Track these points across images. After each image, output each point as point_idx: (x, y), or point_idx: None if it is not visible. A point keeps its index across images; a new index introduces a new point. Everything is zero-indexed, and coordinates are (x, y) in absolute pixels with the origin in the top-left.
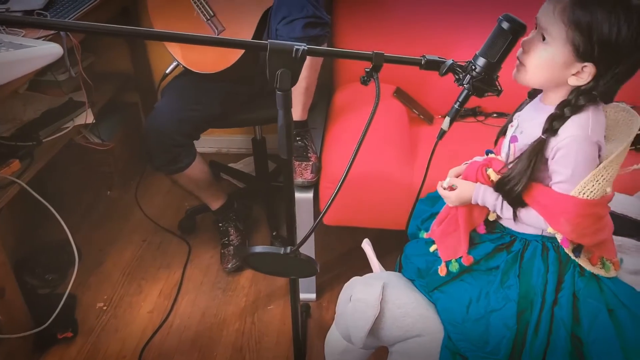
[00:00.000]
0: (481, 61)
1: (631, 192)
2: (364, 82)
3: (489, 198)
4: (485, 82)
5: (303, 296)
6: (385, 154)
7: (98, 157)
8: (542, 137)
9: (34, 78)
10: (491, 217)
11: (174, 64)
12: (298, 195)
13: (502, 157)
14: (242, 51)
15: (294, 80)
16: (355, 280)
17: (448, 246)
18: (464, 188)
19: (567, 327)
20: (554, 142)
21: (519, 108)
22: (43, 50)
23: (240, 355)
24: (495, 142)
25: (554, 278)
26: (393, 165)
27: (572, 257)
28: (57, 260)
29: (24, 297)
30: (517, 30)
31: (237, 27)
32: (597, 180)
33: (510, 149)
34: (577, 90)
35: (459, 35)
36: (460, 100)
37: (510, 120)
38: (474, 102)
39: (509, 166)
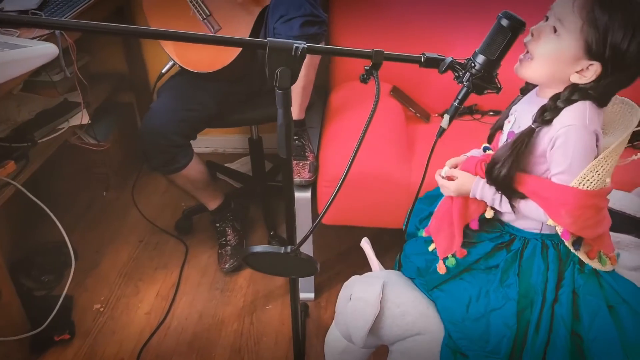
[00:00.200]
0: (480, 58)
1: (629, 188)
2: (364, 80)
3: (487, 192)
4: (484, 80)
5: (301, 296)
6: (383, 152)
7: (94, 158)
8: (532, 126)
9: (29, 79)
10: (488, 215)
11: (170, 63)
12: (296, 194)
13: None
14: (239, 50)
15: (294, 79)
16: (354, 279)
17: (443, 241)
18: (464, 180)
19: (567, 325)
20: (552, 133)
21: (513, 103)
22: (38, 50)
23: (238, 356)
24: (489, 137)
25: (554, 276)
26: (391, 164)
27: (572, 250)
28: (53, 262)
29: (20, 299)
30: (516, 28)
31: (233, 26)
32: (597, 171)
33: None
34: (573, 86)
35: (455, 34)
36: (459, 97)
37: (506, 116)
38: (470, 100)
39: (497, 152)
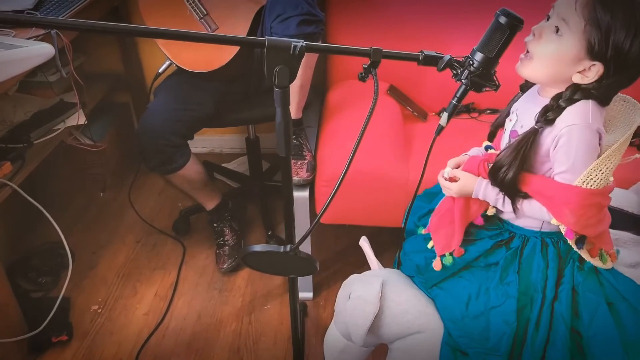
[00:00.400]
0: (479, 56)
1: (626, 185)
2: (362, 78)
3: (490, 192)
4: (483, 77)
5: (300, 295)
6: (381, 151)
7: (90, 158)
8: (535, 126)
9: (24, 79)
10: (490, 212)
11: (167, 63)
12: (294, 194)
13: None
14: (236, 50)
15: (292, 77)
16: (353, 277)
17: (442, 239)
18: (466, 181)
19: (567, 322)
20: (555, 132)
21: (513, 100)
22: (34, 51)
23: (237, 356)
24: (490, 135)
25: (553, 274)
26: (389, 163)
27: (575, 248)
28: (50, 263)
29: (17, 300)
30: (514, 25)
31: (230, 26)
32: (601, 170)
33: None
34: (575, 86)
35: (452, 32)
36: (458, 95)
37: (507, 113)
38: (467, 98)
39: (500, 154)
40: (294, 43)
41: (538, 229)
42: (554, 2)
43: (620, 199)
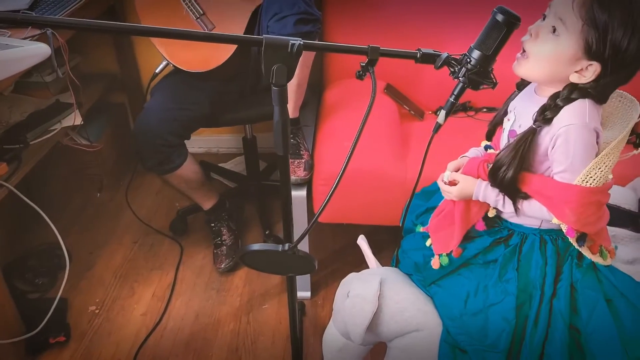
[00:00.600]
0: (476, 54)
1: (623, 182)
2: (360, 76)
3: (490, 194)
4: (480, 75)
5: (298, 294)
6: (378, 150)
7: (86, 159)
8: (533, 126)
9: (20, 80)
10: (490, 214)
11: (164, 63)
12: (292, 193)
13: None
14: (233, 49)
15: (290, 76)
16: (352, 276)
17: (441, 239)
18: (465, 184)
19: (565, 318)
20: (552, 132)
21: (510, 99)
22: (30, 50)
23: (235, 355)
24: (488, 134)
25: (552, 271)
26: (386, 162)
27: (576, 246)
28: (47, 264)
29: (14, 301)
30: (511, 23)
31: (227, 25)
32: (600, 168)
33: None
34: (572, 85)
35: (449, 31)
36: (455, 93)
37: (505, 113)
38: (463, 97)
39: (499, 154)
40: (291, 41)
41: (537, 227)
42: (551, 2)
43: (618, 196)
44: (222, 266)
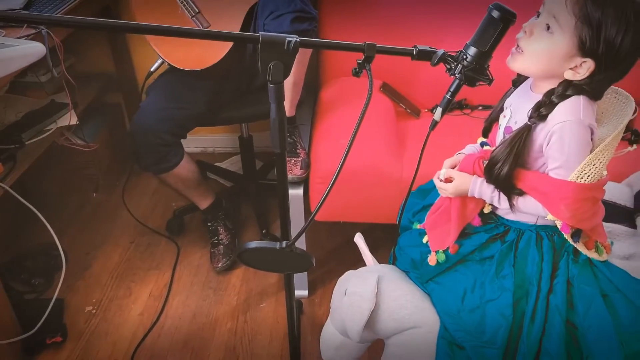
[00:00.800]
0: (472, 50)
1: (619, 179)
2: (356, 73)
3: (485, 190)
4: (476, 72)
5: (295, 293)
6: (375, 148)
7: (82, 159)
8: (528, 122)
9: (15, 79)
10: (486, 210)
11: (159, 61)
12: (288, 191)
13: None
14: (229, 48)
15: (287, 73)
16: (349, 274)
17: (437, 236)
18: (461, 180)
19: (562, 314)
20: (547, 128)
21: (506, 95)
22: (25, 50)
23: (233, 354)
24: (484, 130)
25: (548, 267)
26: (382, 160)
27: (571, 242)
28: (43, 265)
29: (10, 302)
30: (507, 19)
31: (222, 24)
32: (594, 164)
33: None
34: (567, 82)
35: (446, 28)
36: (452, 90)
37: (501, 110)
38: (459, 95)
39: (495, 151)
40: (288, 38)
41: (533, 223)
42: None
43: (613, 192)
44: (219, 265)
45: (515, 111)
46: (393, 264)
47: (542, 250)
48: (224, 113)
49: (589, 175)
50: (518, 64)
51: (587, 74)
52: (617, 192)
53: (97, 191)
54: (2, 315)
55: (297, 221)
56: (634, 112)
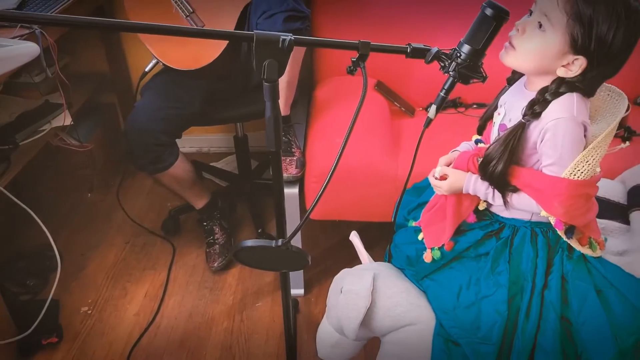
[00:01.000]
0: (466, 48)
1: (612, 176)
2: (351, 71)
3: (480, 187)
4: (470, 69)
5: (291, 292)
6: (369, 147)
7: (77, 159)
8: (522, 120)
9: (9, 80)
10: (481, 207)
11: (153, 61)
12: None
13: None
14: (223, 47)
15: (281, 71)
16: (345, 272)
17: (433, 233)
18: (455, 178)
19: (557, 310)
20: (541, 126)
21: (501, 93)
22: (19, 49)
23: (229, 353)
24: (479, 128)
25: (543, 263)
26: (377, 158)
27: (565, 238)
28: (38, 266)
29: (5, 303)
30: (500, 17)
31: (216, 23)
32: (587, 161)
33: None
34: (560, 79)
35: (439, 28)
36: (446, 87)
37: (495, 107)
38: (454, 93)
39: (489, 148)
40: (282, 37)
41: (527, 219)
42: None
43: (607, 189)
44: (215, 265)
45: (510, 109)
46: (389, 261)
47: (537, 246)
48: (219, 113)
49: (582, 172)
50: (510, 59)
51: (579, 71)
52: (611, 189)
53: (92, 191)
54: None
55: (292, 220)
56: (627, 110)
